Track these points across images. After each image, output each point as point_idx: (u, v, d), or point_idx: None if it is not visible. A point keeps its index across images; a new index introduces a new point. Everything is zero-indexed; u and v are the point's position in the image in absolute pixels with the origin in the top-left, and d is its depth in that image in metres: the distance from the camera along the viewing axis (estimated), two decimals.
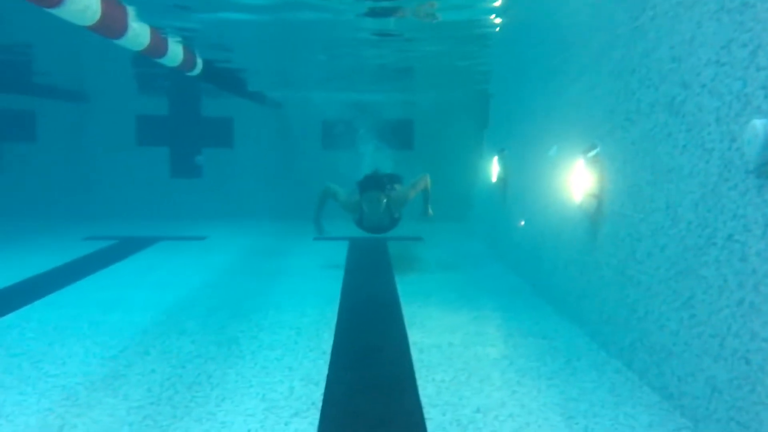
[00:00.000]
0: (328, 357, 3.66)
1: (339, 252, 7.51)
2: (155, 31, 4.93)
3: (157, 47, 5.11)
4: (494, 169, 7.60)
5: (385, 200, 6.13)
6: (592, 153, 4.09)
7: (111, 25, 3.99)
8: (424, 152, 11.06)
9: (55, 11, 3.35)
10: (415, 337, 4.08)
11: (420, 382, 3.25)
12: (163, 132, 11.32)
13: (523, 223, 6.03)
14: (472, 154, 9.79)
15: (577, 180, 4.32)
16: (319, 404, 2.96)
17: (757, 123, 2.33)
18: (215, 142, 11.37)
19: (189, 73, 6.58)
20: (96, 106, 11.06)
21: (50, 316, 4.56)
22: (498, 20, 5.75)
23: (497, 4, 5.34)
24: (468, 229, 9.59)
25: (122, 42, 4.41)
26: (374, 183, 6.18)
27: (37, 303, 5.01)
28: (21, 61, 9.49)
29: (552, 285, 5.03)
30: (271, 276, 6.11)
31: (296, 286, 5.64)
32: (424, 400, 3.01)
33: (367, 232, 6.58)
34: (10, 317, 4.58)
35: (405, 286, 5.63)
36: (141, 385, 3.20)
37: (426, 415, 2.84)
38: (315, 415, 2.83)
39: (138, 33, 4.49)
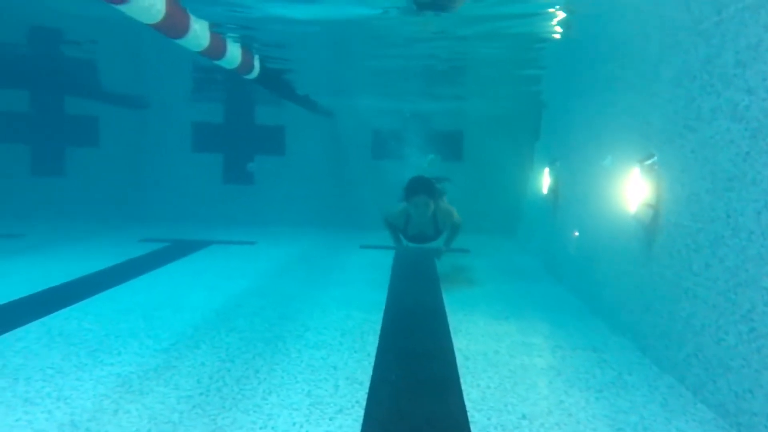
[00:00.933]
0: (372, 359, 3.66)
1: (385, 261, 7.52)
2: (215, 32, 5.05)
3: (217, 48, 5.25)
4: (545, 180, 7.50)
5: (432, 206, 5.94)
6: (649, 161, 3.99)
7: (174, 25, 4.13)
8: (473, 163, 11.02)
9: (122, 8, 3.50)
10: (460, 343, 4.04)
11: (465, 387, 3.22)
12: (218, 139, 11.64)
13: (577, 233, 5.91)
14: (521, 167, 9.71)
15: (632, 190, 4.23)
16: (363, 403, 2.97)
17: None
18: (267, 150, 11.60)
19: (246, 76, 6.69)
20: (155, 112, 11.47)
21: (106, 310, 4.72)
22: (557, 28, 5.68)
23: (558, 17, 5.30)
24: (516, 243, 9.47)
25: (183, 42, 4.55)
26: (423, 186, 5.94)
27: (95, 297, 5.19)
28: (87, 68, 9.99)
29: (603, 298, 4.92)
30: (317, 281, 6.17)
31: (342, 291, 5.67)
32: (469, 405, 2.98)
33: (410, 241, 6.39)
34: (70, 309, 4.77)
35: (450, 295, 5.59)
36: (191, 377, 3.28)
37: (470, 419, 2.81)
38: (359, 413, 2.84)
39: (198, 34, 4.63)
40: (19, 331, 4.10)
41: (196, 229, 9.92)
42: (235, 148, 11.65)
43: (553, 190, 7.14)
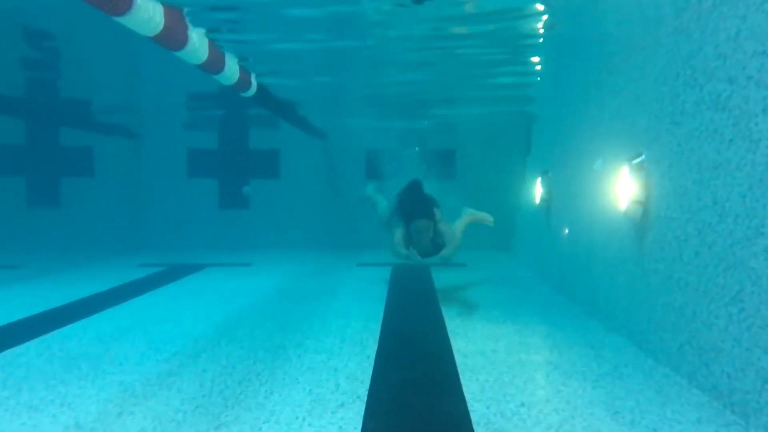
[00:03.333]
0: (372, 361, 3.70)
1: (383, 276, 7.57)
2: (214, 45, 5.16)
3: (215, 62, 5.34)
4: (537, 190, 7.60)
5: (432, 229, 5.77)
6: (638, 160, 4.10)
7: (172, 37, 4.23)
8: (466, 181, 11.13)
9: (121, 20, 3.61)
10: (458, 345, 4.09)
11: (464, 381, 3.27)
12: (213, 165, 11.74)
13: (567, 231, 6.00)
14: (514, 182, 9.81)
15: (622, 189, 4.32)
16: (365, 398, 3.00)
17: None
18: (262, 174, 11.71)
19: (244, 94, 6.79)
20: (150, 140, 11.57)
21: (106, 328, 4.75)
22: (540, 24, 5.78)
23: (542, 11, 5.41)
24: (512, 257, 9.54)
25: (182, 54, 4.65)
26: (422, 209, 5.77)
27: (94, 317, 5.22)
28: (81, 99, 10.13)
29: (598, 300, 4.97)
30: (315, 296, 6.20)
31: (340, 304, 5.70)
32: (468, 396, 3.02)
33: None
34: (69, 328, 4.79)
35: (448, 304, 5.64)
36: (193, 382, 3.31)
37: (470, 408, 2.85)
38: (360, 407, 2.88)
39: (197, 47, 4.73)
40: (18, 348, 4.13)
41: (193, 254, 9.96)
42: (230, 173, 11.75)
43: (546, 199, 7.24)
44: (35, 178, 11.58)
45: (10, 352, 4.01)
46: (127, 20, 3.62)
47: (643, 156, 4.05)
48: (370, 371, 3.46)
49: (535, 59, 6.83)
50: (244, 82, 6.27)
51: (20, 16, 5.80)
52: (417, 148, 11.22)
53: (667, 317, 3.63)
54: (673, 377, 3.37)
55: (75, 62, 7.98)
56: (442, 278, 7.39)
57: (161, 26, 3.92)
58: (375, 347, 4.03)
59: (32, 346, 4.19)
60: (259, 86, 6.85)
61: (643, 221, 4.03)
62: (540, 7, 5.22)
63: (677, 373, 3.41)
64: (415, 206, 5.78)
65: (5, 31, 6.47)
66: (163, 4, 4.02)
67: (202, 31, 4.90)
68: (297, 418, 2.75)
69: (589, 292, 5.28)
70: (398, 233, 5.94)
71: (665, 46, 3.75)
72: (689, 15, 3.43)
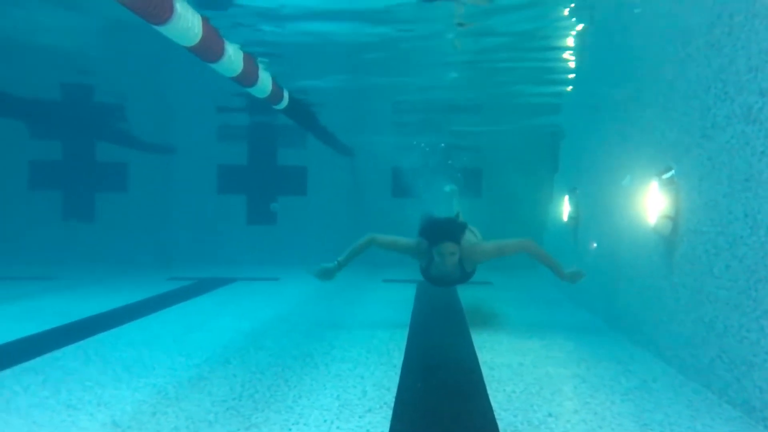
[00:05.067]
0: (398, 370, 3.73)
1: (408, 292, 7.59)
2: (248, 58, 5.32)
3: (250, 75, 5.47)
4: (565, 208, 7.58)
5: (458, 253, 5.12)
6: (668, 175, 4.09)
7: (209, 48, 4.37)
8: (493, 199, 11.13)
9: (162, 29, 3.76)
10: (484, 357, 4.09)
11: (490, 392, 3.27)
12: (242, 181, 11.94)
13: (595, 245, 5.96)
14: (541, 200, 9.79)
15: (651, 204, 4.31)
16: (392, 404, 3.03)
17: None
18: (290, 190, 11.86)
19: (276, 106, 6.92)
20: (181, 157, 11.82)
21: (138, 335, 4.86)
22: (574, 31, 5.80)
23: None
24: (538, 275, 9.47)
25: (218, 66, 4.80)
26: (447, 231, 5.15)
27: (127, 326, 5.33)
28: (117, 115, 10.48)
29: (627, 316, 4.94)
30: (342, 309, 6.26)
31: (367, 316, 5.76)
32: (495, 406, 3.03)
33: (432, 282, 5.60)
34: (102, 335, 4.91)
35: (474, 318, 5.65)
36: (223, 385, 3.38)
37: (497, 416, 2.86)
38: (387, 413, 2.91)
39: (233, 59, 4.89)
40: (56, 353, 4.24)
41: (222, 268, 10.10)
42: (259, 189, 11.94)
43: (573, 217, 7.21)
44: (71, 193, 11.90)
45: (48, 356, 4.13)
46: (167, 29, 3.77)
47: (673, 170, 4.05)
48: (397, 380, 3.49)
49: (565, 74, 6.88)
50: (276, 95, 6.41)
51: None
52: (443, 167, 11.27)
53: (697, 332, 3.59)
54: (704, 392, 3.33)
55: (111, 82, 8.30)
56: (467, 294, 7.38)
57: (200, 36, 4.07)
58: (401, 357, 4.06)
59: (68, 351, 4.31)
60: (291, 99, 6.98)
61: (672, 236, 4.01)
62: (573, 24, 5.28)
63: (708, 388, 3.37)
64: (438, 227, 5.21)
65: (46, 50, 6.76)
66: (202, 16, 4.18)
67: (236, 45, 5.06)
68: (325, 421, 2.79)
69: (617, 308, 5.24)
70: (414, 242, 5.35)
71: (695, 60, 3.77)
72: (720, 29, 3.45)
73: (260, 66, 5.84)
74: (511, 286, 8.44)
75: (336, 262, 5.42)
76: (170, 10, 3.62)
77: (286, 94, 6.77)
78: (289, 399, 3.12)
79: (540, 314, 6.05)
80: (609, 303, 5.45)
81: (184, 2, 3.89)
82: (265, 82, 5.87)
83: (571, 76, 6.82)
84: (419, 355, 4.18)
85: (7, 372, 3.70)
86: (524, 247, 5.38)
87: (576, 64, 6.39)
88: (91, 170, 11.88)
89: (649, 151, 4.55)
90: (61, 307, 6.24)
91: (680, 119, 3.99)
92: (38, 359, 4.03)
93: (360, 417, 2.84)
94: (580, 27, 5.43)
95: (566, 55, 6.17)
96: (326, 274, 5.41)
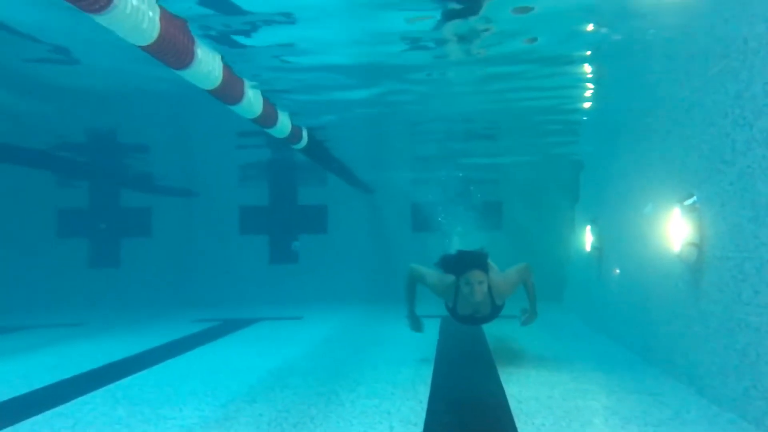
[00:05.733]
0: (425, 405, 3.70)
1: (432, 327, 7.53)
2: (267, 100, 5.46)
3: (269, 116, 5.60)
4: (587, 238, 7.54)
5: (486, 282, 4.87)
6: (689, 201, 4.07)
7: (230, 91, 4.52)
8: (513, 232, 11.08)
9: (183, 73, 3.90)
10: (512, 390, 4.04)
11: (519, 425, 3.23)
12: (263, 221, 12.06)
13: (618, 271, 5.90)
14: (563, 231, 9.73)
15: (674, 231, 4.28)
16: None
17: None
18: (311, 229, 11.95)
19: (295, 146, 7.04)
20: (204, 200, 12.00)
21: (165, 377, 4.89)
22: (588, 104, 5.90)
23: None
24: (563, 307, 9.36)
25: (238, 108, 4.93)
26: (475, 259, 4.93)
27: (154, 368, 5.37)
28: (140, 164, 10.72)
29: (656, 346, 4.85)
30: (366, 346, 6.24)
31: (391, 353, 5.72)
32: None
33: (462, 322, 5.35)
34: (129, 379, 4.94)
35: (500, 352, 5.60)
36: (250, 424, 3.39)
37: None
38: None
39: (252, 101, 5.03)
40: (86, 397, 4.28)
41: (245, 309, 10.14)
42: (280, 229, 12.04)
43: (597, 247, 7.16)
44: (96, 240, 12.09)
45: (78, 401, 4.17)
46: (189, 74, 3.91)
47: (695, 197, 4.03)
48: (423, 415, 3.46)
49: (582, 104, 6.91)
50: (295, 135, 6.54)
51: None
52: (462, 201, 11.30)
53: (729, 360, 3.52)
54: (739, 422, 3.25)
55: (134, 130, 8.53)
56: (492, 328, 7.29)
57: (220, 79, 4.21)
58: (427, 392, 4.03)
59: (98, 394, 4.34)
60: (309, 138, 7.10)
61: (697, 263, 3.97)
62: (587, 54, 5.34)
63: (743, 418, 3.29)
64: (464, 256, 4.98)
65: (74, 101, 6.98)
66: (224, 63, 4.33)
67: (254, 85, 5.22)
68: None
69: (645, 338, 5.15)
70: (440, 278, 5.14)
71: (712, 86, 3.78)
72: (735, 56, 3.47)
73: (278, 107, 5.99)
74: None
75: (408, 313, 5.53)
76: (192, 55, 3.76)
77: (304, 134, 6.90)
78: None
79: (567, 347, 5.97)
80: (638, 334, 5.36)
81: (205, 47, 4.04)
82: (283, 122, 6.00)
83: (587, 105, 6.85)
84: (445, 390, 4.15)
85: (39, 417, 3.74)
86: (528, 268, 5.43)
87: (593, 95, 6.42)
88: (116, 216, 12.10)
89: (670, 179, 4.54)
90: (90, 352, 6.31)
91: (699, 146, 4.00)
92: (68, 404, 4.07)
93: None
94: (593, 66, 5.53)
95: (583, 83, 6.20)
96: (415, 326, 5.53)
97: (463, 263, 4.91)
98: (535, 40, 4.90)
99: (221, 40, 4.64)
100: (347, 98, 6.42)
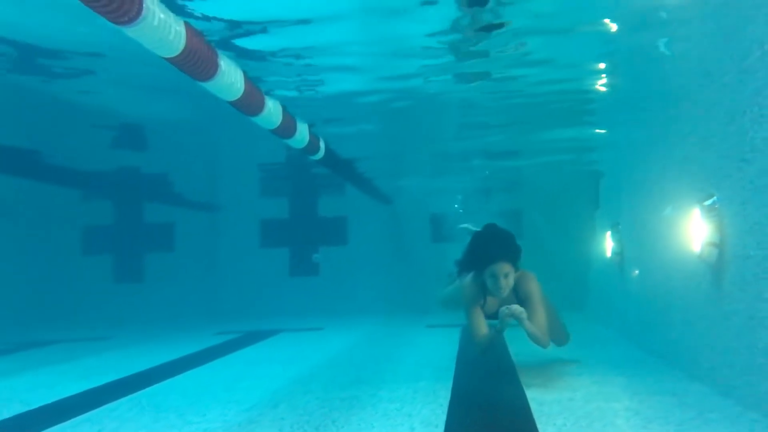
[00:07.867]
0: (445, 408, 3.72)
1: (453, 336, 7.53)
2: (287, 111, 5.57)
3: (288, 127, 5.70)
4: (608, 244, 7.49)
5: (512, 276, 4.39)
6: (710, 201, 4.05)
7: (251, 102, 4.64)
8: (534, 240, 11.01)
9: (207, 85, 4.01)
10: (533, 394, 4.03)
11: (540, 426, 3.23)
12: (284, 234, 12.16)
13: (637, 272, 5.86)
14: (584, 241, 9.66)
15: (694, 231, 4.26)
16: None
17: None
18: (331, 241, 12.01)
19: (312, 157, 7.14)
20: (225, 214, 12.15)
21: (190, 385, 4.98)
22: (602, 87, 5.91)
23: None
24: (586, 315, 9.27)
25: (258, 119, 5.05)
26: (501, 248, 4.37)
27: (178, 377, 5.45)
28: (163, 180, 10.94)
29: (678, 348, 4.80)
30: (387, 354, 6.26)
31: (412, 360, 5.74)
32: None
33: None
34: (155, 388, 5.02)
35: (520, 357, 5.57)
36: (272, 427, 3.44)
37: None
38: None
39: (272, 112, 5.13)
40: (112, 405, 4.36)
41: (267, 321, 10.22)
42: (301, 241, 12.12)
43: (618, 252, 7.11)
44: (121, 256, 12.28)
45: (104, 408, 4.25)
46: (212, 85, 4.02)
47: (715, 197, 4.01)
48: (444, 417, 3.47)
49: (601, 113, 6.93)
50: (313, 146, 6.64)
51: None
52: (481, 210, 11.30)
53: (753, 360, 3.48)
54: (764, 422, 3.21)
55: (158, 146, 8.72)
56: (513, 335, 7.25)
57: (242, 91, 4.33)
58: (448, 396, 4.04)
59: (123, 402, 4.42)
60: (327, 149, 7.19)
61: (719, 262, 3.94)
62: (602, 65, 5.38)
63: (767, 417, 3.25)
64: (492, 247, 4.42)
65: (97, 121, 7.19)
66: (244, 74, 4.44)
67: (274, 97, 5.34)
68: None
69: (668, 341, 5.10)
70: (465, 285, 4.65)
71: (729, 86, 3.78)
72: (752, 56, 3.47)
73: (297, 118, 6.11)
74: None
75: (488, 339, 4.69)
76: (216, 66, 3.87)
77: (322, 145, 7.00)
78: None
79: (588, 351, 5.92)
80: (660, 336, 5.31)
81: (227, 58, 4.15)
82: (302, 132, 6.11)
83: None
84: (466, 394, 4.15)
85: (66, 424, 3.82)
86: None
87: (611, 101, 6.44)
88: (139, 232, 12.29)
89: (689, 179, 4.52)
90: (117, 363, 6.41)
91: (718, 145, 3.99)
92: (95, 411, 4.15)
93: None
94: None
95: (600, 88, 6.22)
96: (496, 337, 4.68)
97: (487, 252, 4.38)
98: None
99: (240, 53, 4.78)
100: (364, 103, 6.50)
